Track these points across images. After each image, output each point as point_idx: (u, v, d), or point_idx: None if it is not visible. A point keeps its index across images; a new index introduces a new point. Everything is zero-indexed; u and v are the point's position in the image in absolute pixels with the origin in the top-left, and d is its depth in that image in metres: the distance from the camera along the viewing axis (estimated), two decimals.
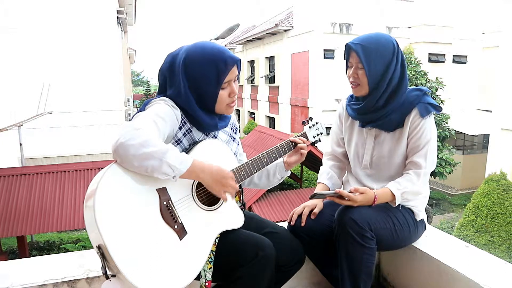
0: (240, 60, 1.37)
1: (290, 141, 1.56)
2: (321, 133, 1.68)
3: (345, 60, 1.65)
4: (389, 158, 1.64)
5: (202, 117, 1.35)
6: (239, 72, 1.40)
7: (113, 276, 1.14)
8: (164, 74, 1.37)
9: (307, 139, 1.63)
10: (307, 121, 1.66)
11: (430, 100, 1.58)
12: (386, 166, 1.65)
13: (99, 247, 1.10)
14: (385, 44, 1.54)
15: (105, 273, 1.12)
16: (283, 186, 11.10)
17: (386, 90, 1.56)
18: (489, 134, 11.91)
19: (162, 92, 1.39)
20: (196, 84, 1.32)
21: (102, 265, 1.11)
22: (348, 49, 1.58)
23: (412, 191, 1.56)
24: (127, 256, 1.09)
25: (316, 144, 1.74)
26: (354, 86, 1.61)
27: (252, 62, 22.48)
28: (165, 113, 1.27)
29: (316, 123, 1.66)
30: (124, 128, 1.12)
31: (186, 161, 1.17)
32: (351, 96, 1.73)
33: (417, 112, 1.56)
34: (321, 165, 1.91)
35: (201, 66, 1.31)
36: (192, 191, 1.30)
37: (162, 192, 1.21)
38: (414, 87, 1.63)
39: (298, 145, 1.56)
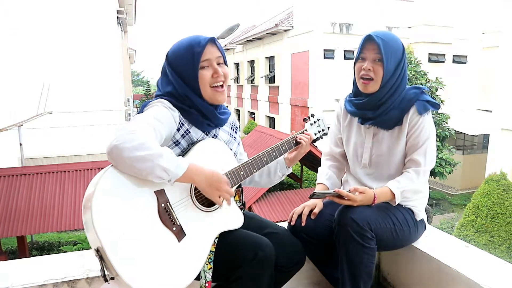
0: (214, 38, 1.40)
1: (294, 139, 1.56)
2: (323, 130, 1.68)
3: (356, 55, 1.61)
4: (388, 157, 1.64)
5: (200, 103, 1.36)
6: (223, 55, 1.42)
7: (112, 278, 1.13)
8: (160, 76, 1.43)
9: None
10: (309, 118, 1.66)
11: (428, 98, 1.59)
12: (385, 164, 1.65)
13: (97, 250, 1.10)
14: (399, 44, 1.56)
15: (104, 276, 1.12)
16: (283, 186, 11.10)
17: (391, 88, 1.57)
18: (489, 134, 11.90)
19: (159, 93, 1.42)
20: (180, 72, 1.36)
21: (101, 268, 1.11)
22: (367, 41, 1.54)
23: (412, 189, 1.56)
24: (125, 259, 1.09)
25: (316, 143, 1.73)
26: (365, 81, 1.57)
27: (252, 62, 22.47)
28: (162, 115, 1.27)
29: (318, 120, 1.66)
30: (118, 131, 1.12)
31: (181, 165, 1.17)
32: (353, 93, 1.72)
33: (415, 110, 1.56)
34: (321, 166, 1.91)
35: (180, 53, 1.36)
36: (190, 193, 1.29)
37: (160, 194, 1.20)
38: (413, 85, 1.64)
39: (301, 138, 1.56)
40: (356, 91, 1.67)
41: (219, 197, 1.26)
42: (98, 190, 1.09)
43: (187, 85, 1.36)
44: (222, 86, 1.40)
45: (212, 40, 1.38)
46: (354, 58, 1.63)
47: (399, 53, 1.55)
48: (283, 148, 1.53)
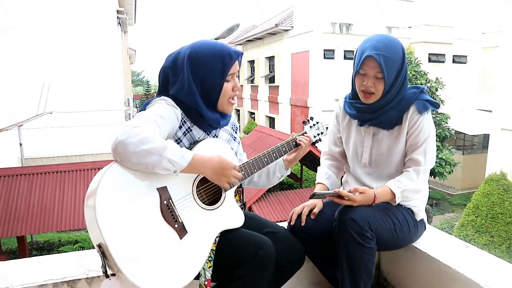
0: (242, 53, 1.42)
1: (294, 140, 1.56)
2: (322, 133, 1.68)
3: (355, 67, 1.57)
4: (388, 156, 1.64)
5: (206, 112, 1.37)
6: (239, 67, 1.43)
7: (113, 275, 1.14)
8: (166, 74, 1.39)
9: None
10: (308, 120, 1.66)
11: (427, 97, 1.59)
12: (385, 164, 1.65)
13: (99, 246, 1.10)
14: (398, 51, 1.53)
15: (105, 272, 1.13)
16: (283, 186, 11.10)
17: (392, 94, 1.57)
18: (489, 134, 11.91)
19: (162, 92, 1.41)
20: (202, 78, 1.35)
21: (102, 264, 1.12)
22: (367, 57, 1.50)
23: (412, 188, 1.56)
24: (127, 255, 1.10)
25: (316, 144, 1.74)
26: (367, 95, 1.57)
27: (252, 62, 22.47)
28: (166, 112, 1.28)
29: (317, 122, 1.66)
30: (123, 127, 1.13)
31: (186, 156, 1.19)
32: (352, 95, 1.71)
33: (415, 109, 1.56)
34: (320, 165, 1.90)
35: (207, 60, 1.34)
36: (192, 191, 1.30)
37: (163, 191, 1.21)
38: (412, 85, 1.63)
39: (301, 140, 1.57)
40: (355, 94, 1.67)
41: (227, 183, 1.30)
42: (101, 186, 1.10)
43: (202, 93, 1.35)
44: (234, 97, 1.43)
45: (241, 55, 1.41)
46: (354, 70, 1.59)
47: (399, 62, 1.53)
48: (283, 149, 1.53)
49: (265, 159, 1.46)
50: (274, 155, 1.50)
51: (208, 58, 1.34)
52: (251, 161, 1.43)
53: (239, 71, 1.47)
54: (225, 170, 1.27)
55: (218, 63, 1.35)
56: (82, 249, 8.38)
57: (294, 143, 1.57)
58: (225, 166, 1.27)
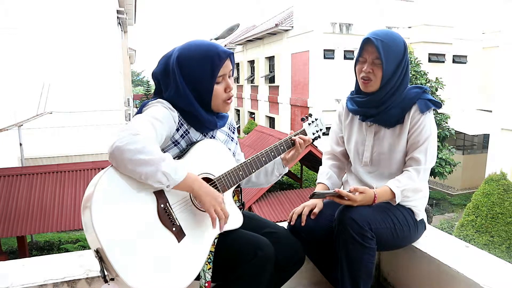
0: (233, 53, 1.38)
1: (291, 139, 1.55)
2: (321, 130, 1.66)
3: (356, 55, 1.61)
4: (389, 154, 1.64)
5: (202, 115, 1.35)
6: (233, 67, 1.41)
7: (112, 279, 1.13)
8: (157, 77, 1.38)
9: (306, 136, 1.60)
10: (307, 117, 1.64)
11: (429, 97, 1.59)
12: (386, 162, 1.65)
13: (97, 251, 1.09)
14: (399, 43, 1.56)
15: (103, 277, 1.12)
16: (283, 186, 11.10)
17: (393, 88, 1.58)
18: (489, 134, 11.91)
19: (158, 94, 1.40)
20: (192, 80, 1.33)
21: (101, 269, 1.11)
22: (366, 42, 1.55)
23: (412, 188, 1.56)
24: (125, 260, 1.09)
25: (315, 143, 1.72)
26: (365, 81, 1.59)
27: (252, 62, 22.47)
28: (163, 115, 1.27)
29: (316, 119, 1.64)
30: (121, 132, 1.12)
31: (181, 172, 1.17)
32: (355, 90, 1.71)
33: (417, 108, 1.57)
34: (321, 165, 1.90)
35: (195, 62, 1.32)
36: (190, 193, 1.29)
37: (160, 195, 1.20)
38: (414, 85, 1.64)
39: (297, 140, 1.54)
40: (358, 89, 1.68)
41: (214, 211, 1.23)
42: (98, 190, 1.09)
43: (196, 96, 1.34)
44: (230, 97, 1.41)
45: (231, 54, 1.37)
46: (355, 59, 1.63)
47: (400, 54, 1.55)
48: (282, 148, 1.52)
49: (264, 158, 1.45)
50: (273, 154, 1.49)
51: (196, 60, 1.32)
52: (249, 160, 1.42)
53: (233, 70, 1.43)
54: (218, 197, 1.24)
55: (206, 65, 1.32)
56: (83, 248, 8.39)
57: (292, 142, 1.55)
58: (217, 194, 1.24)
